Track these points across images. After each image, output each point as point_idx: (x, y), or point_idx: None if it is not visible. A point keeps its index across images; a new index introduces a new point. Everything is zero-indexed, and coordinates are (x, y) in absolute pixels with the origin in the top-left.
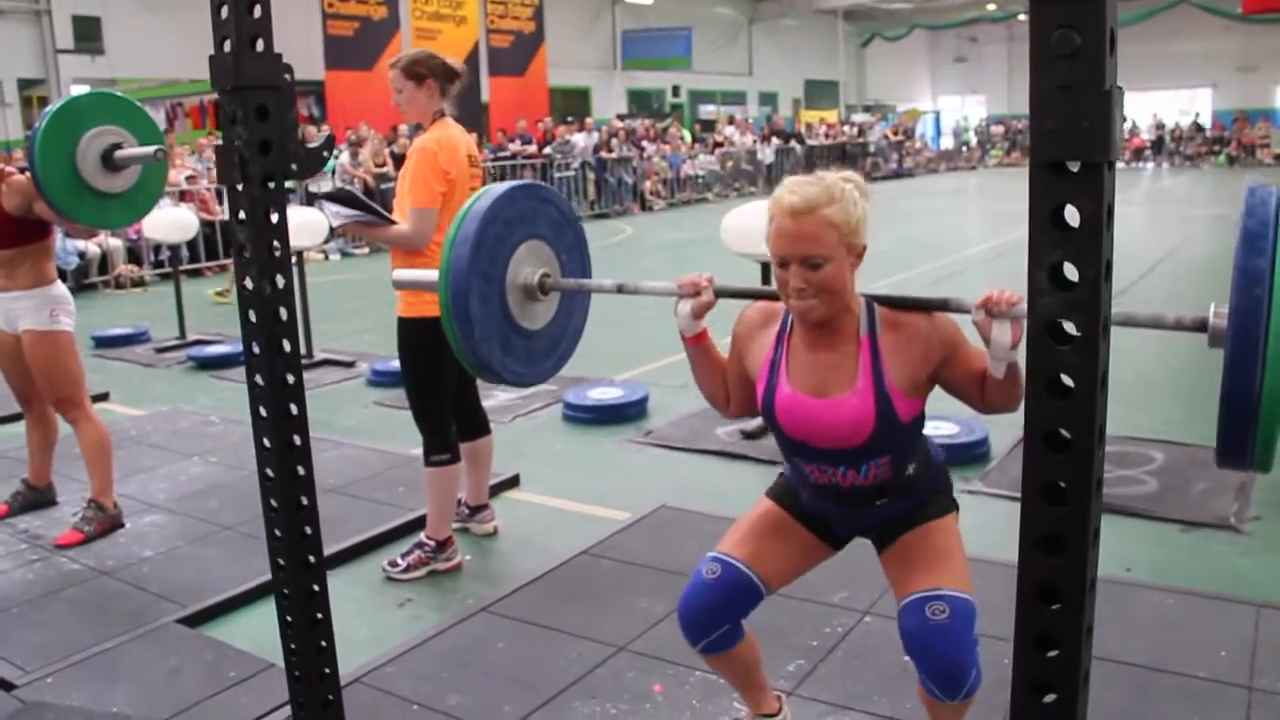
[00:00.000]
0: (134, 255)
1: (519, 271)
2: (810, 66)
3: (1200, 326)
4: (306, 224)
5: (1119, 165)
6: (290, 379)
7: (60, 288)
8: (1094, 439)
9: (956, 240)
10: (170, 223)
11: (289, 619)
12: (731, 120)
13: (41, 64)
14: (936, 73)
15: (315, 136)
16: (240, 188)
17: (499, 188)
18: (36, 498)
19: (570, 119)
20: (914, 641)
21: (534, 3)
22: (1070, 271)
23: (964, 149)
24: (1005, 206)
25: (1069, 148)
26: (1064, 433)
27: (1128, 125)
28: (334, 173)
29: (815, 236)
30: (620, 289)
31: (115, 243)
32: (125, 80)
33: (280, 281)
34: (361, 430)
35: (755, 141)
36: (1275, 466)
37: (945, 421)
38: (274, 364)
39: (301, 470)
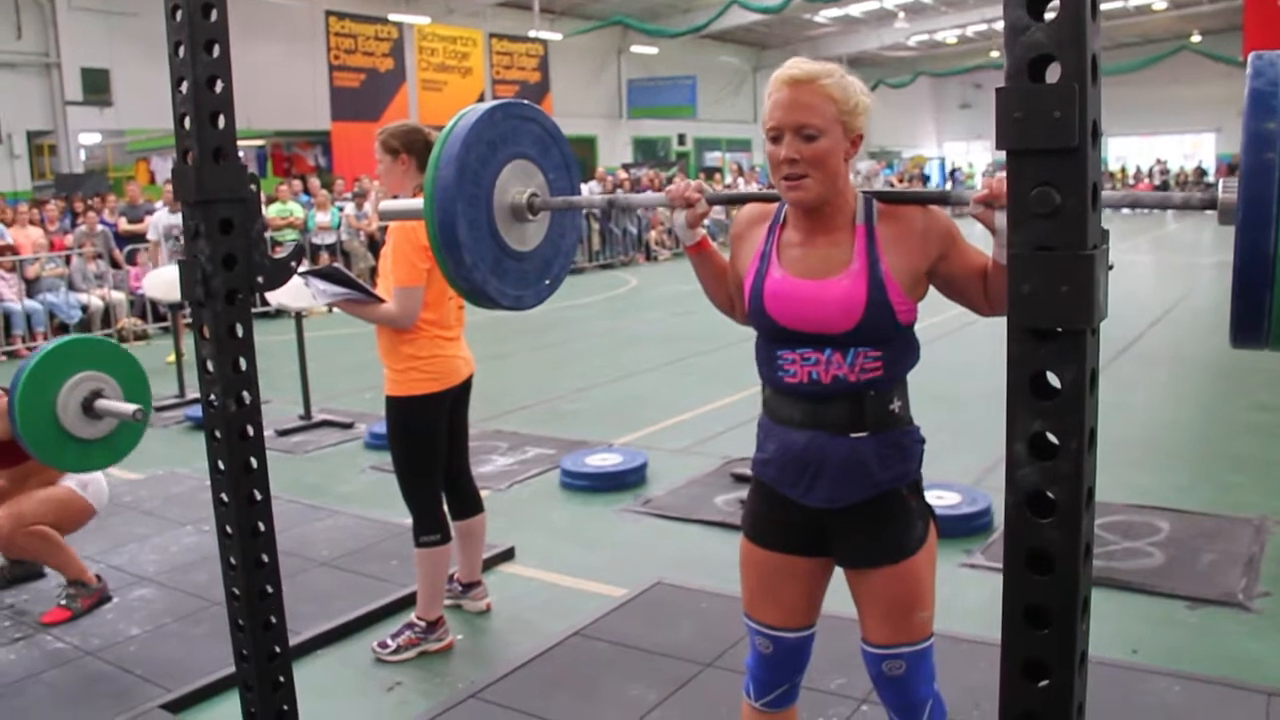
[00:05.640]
0: (138, 307)
1: (506, 193)
2: None
3: (1210, 204)
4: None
5: (1124, 212)
6: (258, 495)
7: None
8: (1076, 612)
9: None
10: (168, 282)
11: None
12: (740, 170)
13: (50, 116)
14: (941, 119)
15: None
16: (204, 303)
17: (479, 108)
18: (21, 571)
19: None
20: (874, 682)
21: (539, 53)
22: (1051, 441)
23: None
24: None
25: (1048, 314)
26: (1046, 605)
27: (1132, 170)
28: (339, 225)
29: (811, 106)
30: (611, 204)
31: (118, 295)
32: (133, 130)
33: (247, 398)
34: (357, 497)
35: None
36: None
37: (948, 490)
38: (239, 482)
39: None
